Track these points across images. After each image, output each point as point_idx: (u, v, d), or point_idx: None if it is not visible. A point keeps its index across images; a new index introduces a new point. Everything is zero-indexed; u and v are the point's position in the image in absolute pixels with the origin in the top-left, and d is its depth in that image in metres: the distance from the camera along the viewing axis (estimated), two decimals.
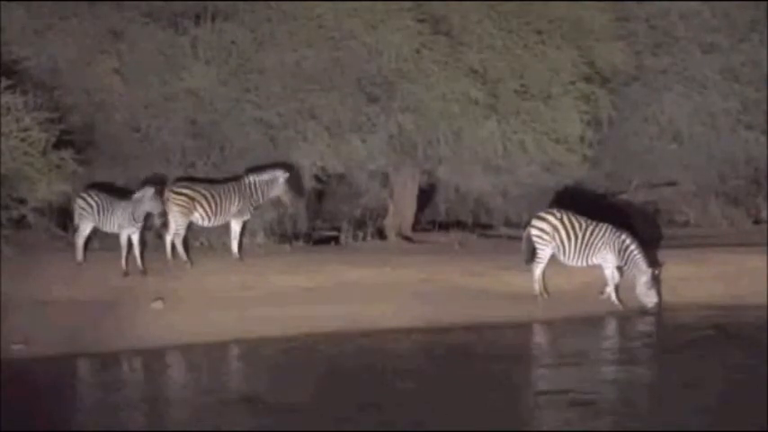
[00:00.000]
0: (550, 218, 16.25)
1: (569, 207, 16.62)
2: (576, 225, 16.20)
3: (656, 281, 16.09)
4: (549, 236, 16.15)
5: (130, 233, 15.77)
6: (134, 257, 15.85)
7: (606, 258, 16.13)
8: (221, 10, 16.69)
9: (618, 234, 16.13)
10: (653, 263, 16.14)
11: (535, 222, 16.26)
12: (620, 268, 16.16)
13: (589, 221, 16.22)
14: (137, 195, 15.77)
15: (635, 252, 16.04)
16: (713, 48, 18.71)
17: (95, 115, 16.43)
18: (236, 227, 16.41)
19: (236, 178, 16.49)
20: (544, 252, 16.15)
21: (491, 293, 15.99)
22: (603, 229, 16.18)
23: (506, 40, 17.18)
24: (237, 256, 16.35)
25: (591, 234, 16.17)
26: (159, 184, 16.04)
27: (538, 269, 16.19)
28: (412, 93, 16.76)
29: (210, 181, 16.50)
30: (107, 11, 16.48)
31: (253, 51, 16.72)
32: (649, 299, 16.07)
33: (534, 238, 16.19)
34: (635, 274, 16.04)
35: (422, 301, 15.73)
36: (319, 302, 15.43)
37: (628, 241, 16.08)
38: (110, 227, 15.87)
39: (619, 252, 16.09)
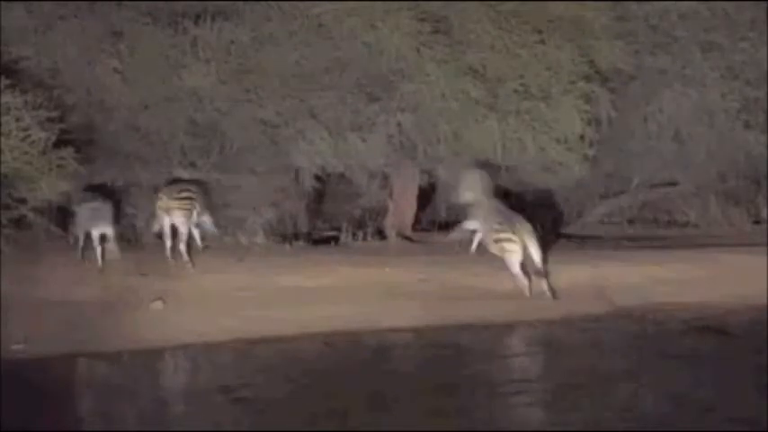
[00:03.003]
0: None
1: None
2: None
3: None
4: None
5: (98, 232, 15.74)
6: (134, 257, 15.87)
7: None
8: (221, 10, 16.70)
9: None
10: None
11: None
12: None
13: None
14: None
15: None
16: (713, 47, 18.70)
17: (95, 115, 16.43)
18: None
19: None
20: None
21: (491, 293, 16.00)
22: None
23: (506, 39, 17.16)
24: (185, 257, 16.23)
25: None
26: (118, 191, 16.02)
27: (514, 268, 16.16)
28: (412, 92, 16.76)
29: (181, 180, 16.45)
30: (107, 11, 16.47)
31: (253, 51, 16.71)
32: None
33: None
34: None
35: (422, 301, 15.74)
36: (319, 302, 15.44)
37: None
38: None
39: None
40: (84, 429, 12.03)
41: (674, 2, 18.61)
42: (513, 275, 16.03)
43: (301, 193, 17.26)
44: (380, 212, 18.06)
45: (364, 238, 17.60)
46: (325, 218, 18.06)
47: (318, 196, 17.82)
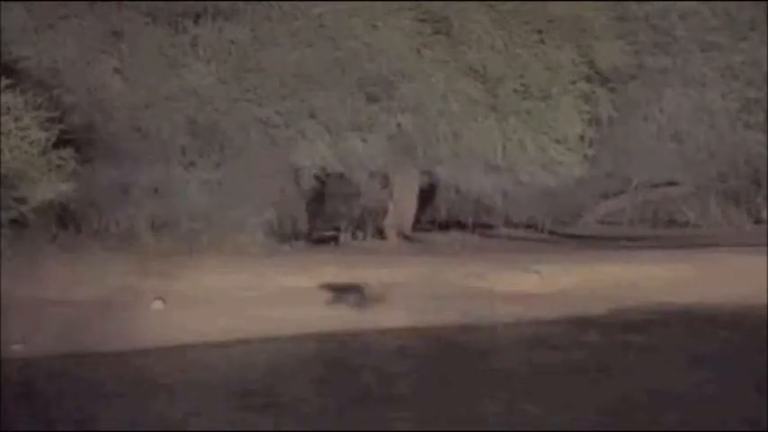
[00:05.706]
0: None
1: None
2: None
3: None
4: None
5: None
6: (135, 256, 15.90)
7: None
8: (221, 10, 16.71)
9: None
10: None
11: None
12: None
13: None
14: None
15: None
16: (713, 47, 18.71)
17: (95, 115, 16.44)
18: None
19: None
20: None
21: (491, 293, 16.01)
22: None
23: (506, 39, 17.19)
24: None
25: None
26: None
27: None
28: (412, 93, 16.77)
29: None
30: (107, 11, 16.48)
31: (253, 51, 16.72)
32: None
33: None
34: None
35: (422, 301, 15.74)
36: (319, 302, 15.44)
37: None
38: None
39: None
40: (83, 429, 12.02)
41: (674, 2, 18.63)
42: None
43: (301, 193, 17.26)
44: (380, 212, 18.07)
45: (364, 238, 17.61)
46: (325, 218, 18.06)
47: (318, 196, 17.82)
